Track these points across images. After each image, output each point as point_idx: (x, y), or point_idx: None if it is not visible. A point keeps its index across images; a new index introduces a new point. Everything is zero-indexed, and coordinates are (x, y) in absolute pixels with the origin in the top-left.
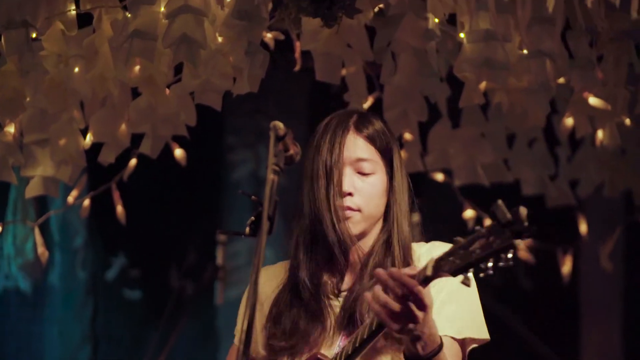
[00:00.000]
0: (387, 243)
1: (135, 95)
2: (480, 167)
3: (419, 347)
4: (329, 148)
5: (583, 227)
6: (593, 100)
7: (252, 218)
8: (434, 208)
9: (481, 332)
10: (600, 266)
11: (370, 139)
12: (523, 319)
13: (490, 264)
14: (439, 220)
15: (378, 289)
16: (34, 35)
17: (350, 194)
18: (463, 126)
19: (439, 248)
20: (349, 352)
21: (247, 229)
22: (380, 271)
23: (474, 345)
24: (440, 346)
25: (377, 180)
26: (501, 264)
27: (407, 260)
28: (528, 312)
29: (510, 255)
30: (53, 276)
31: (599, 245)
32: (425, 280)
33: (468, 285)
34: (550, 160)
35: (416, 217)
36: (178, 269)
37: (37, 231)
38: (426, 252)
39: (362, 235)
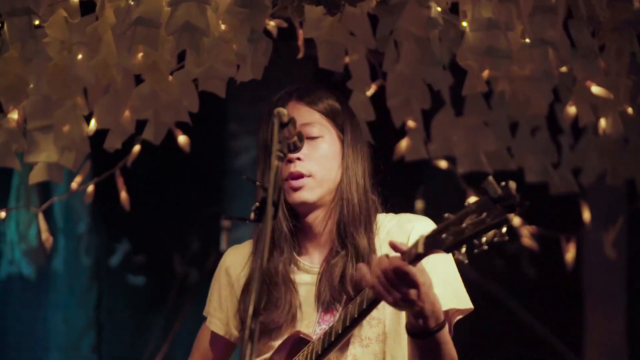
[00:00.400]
0: (338, 210)
1: (138, 82)
2: (484, 154)
3: (420, 321)
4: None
5: (586, 215)
6: (595, 89)
7: (257, 204)
8: (437, 195)
9: (464, 302)
10: (604, 254)
11: (313, 104)
12: (527, 306)
13: (484, 239)
14: (443, 208)
15: (374, 263)
16: (37, 22)
17: (299, 159)
18: (466, 114)
19: (412, 222)
20: (339, 332)
21: (252, 215)
22: (373, 262)
23: (460, 317)
24: (444, 322)
25: (326, 144)
26: (496, 239)
27: (361, 216)
28: (532, 299)
29: (504, 230)
30: (57, 262)
31: (603, 233)
32: (417, 258)
33: (464, 261)
34: (553, 148)
35: (420, 205)
36: (182, 255)
37: (41, 217)
38: (396, 226)
39: (320, 202)
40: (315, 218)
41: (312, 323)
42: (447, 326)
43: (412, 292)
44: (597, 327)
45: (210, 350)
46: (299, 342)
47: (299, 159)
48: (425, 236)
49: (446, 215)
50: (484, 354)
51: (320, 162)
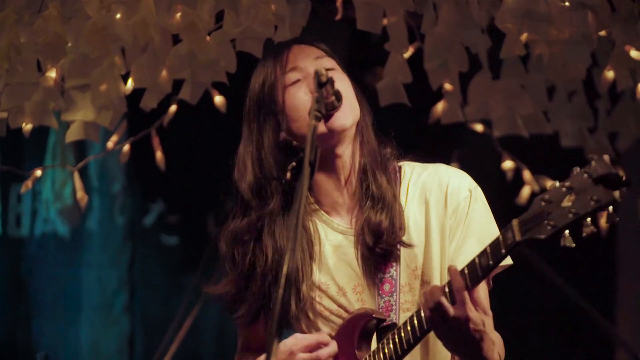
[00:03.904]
0: (359, 153)
1: (176, 42)
2: (520, 118)
3: None
4: (284, 59)
5: None
6: (635, 54)
7: (294, 163)
8: (473, 158)
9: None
10: (638, 219)
11: (315, 44)
12: (560, 272)
13: (588, 220)
14: (478, 171)
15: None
16: None
17: (331, 79)
18: (503, 77)
19: (448, 176)
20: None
21: (289, 174)
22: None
23: (498, 271)
24: None
25: (342, 74)
26: (607, 222)
27: (382, 167)
28: (565, 265)
29: (611, 209)
30: (91, 221)
31: (637, 199)
32: (515, 246)
33: (571, 246)
34: (590, 112)
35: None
36: (216, 215)
37: (76, 176)
38: (431, 179)
39: (350, 132)
40: (342, 152)
41: (350, 285)
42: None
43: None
44: (630, 292)
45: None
46: (370, 321)
47: (330, 78)
48: (519, 221)
49: (537, 196)
50: (515, 318)
51: (345, 90)
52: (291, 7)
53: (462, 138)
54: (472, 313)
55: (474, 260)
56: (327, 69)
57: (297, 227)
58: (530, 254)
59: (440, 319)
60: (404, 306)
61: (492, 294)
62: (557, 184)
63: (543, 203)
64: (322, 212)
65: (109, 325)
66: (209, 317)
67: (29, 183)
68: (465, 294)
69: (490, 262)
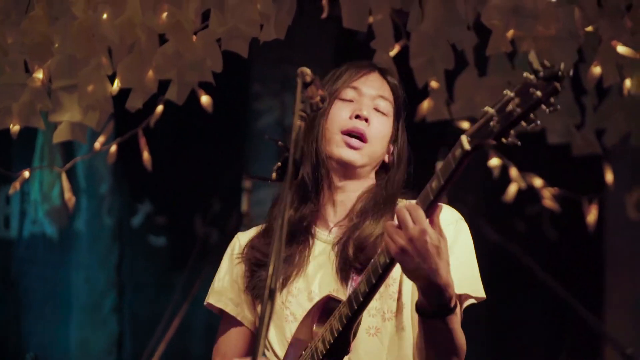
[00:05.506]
0: (376, 189)
1: (162, 42)
2: None
3: (432, 298)
4: (353, 75)
5: (609, 177)
6: (621, 49)
7: (279, 163)
8: None
9: (478, 290)
10: (626, 216)
11: (392, 86)
12: (548, 268)
13: (532, 116)
14: (464, 168)
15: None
16: None
17: (367, 120)
18: (489, 74)
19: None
20: (361, 300)
21: (274, 174)
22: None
23: (471, 302)
24: (456, 305)
25: (388, 124)
26: (551, 108)
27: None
28: (553, 261)
29: (553, 100)
30: (79, 222)
31: (625, 195)
32: (465, 156)
33: (517, 143)
34: (577, 109)
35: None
36: (203, 216)
37: (64, 177)
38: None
39: (359, 174)
40: (349, 186)
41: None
42: (458, 311)
43: (421, 239)
44: (618, 289)
45: (231, 342)
46: (329, 303)
47: (367, 120)
48: (469, 131)
49: (484, 109)
50: (504, 316)
51: (379, 137)
52: (277, 6)
53: (448, 136)
54: (428, 227)
55: (426, 186)
56: (381, 112)
57: (283, 228)
58: (517, 250)
59: (397, 231)
60: (371, 312)
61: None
62: (503, 94)
63: (489, 111)
64: (316, 221)
65: (97, 326)
66: (197, 317)
67: (17, 184)
68: (421, 211)
69: (442, 181)
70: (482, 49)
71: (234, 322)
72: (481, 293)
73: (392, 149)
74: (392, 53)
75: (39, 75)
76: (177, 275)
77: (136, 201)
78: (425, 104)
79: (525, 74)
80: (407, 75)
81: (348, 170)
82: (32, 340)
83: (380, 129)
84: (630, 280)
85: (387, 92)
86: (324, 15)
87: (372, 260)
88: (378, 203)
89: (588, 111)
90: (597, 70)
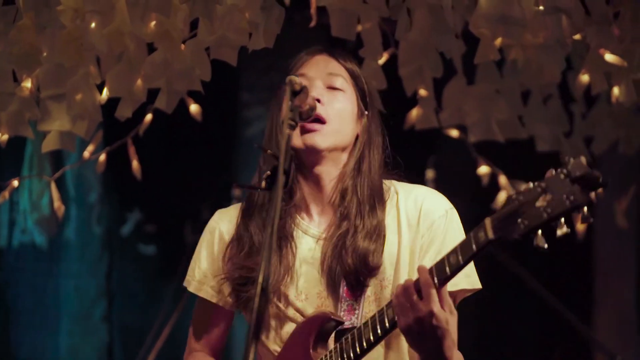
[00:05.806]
0: (353, 180)
1: (151, 51)
2: (495, 123)
3: None
4: (301, 63)
5: None
6: (609, 57)
7: (268, 172)
8: (448, 164)
9: (474, 282)
10: (615, 223)
11: (341, 59)
12: (537, 276)
13: (562, 220)
14: (454, 176)
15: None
16: None
17: (318, 101)
18: (478, 83)
19: (423, 198)
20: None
21: (263, 183)
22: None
23: (467, 295)
24: None
25: (347, 100)
26: (582, 222)
27: (375, 195)
28: (542, 268)
29: (586, 210)
30: (69, 231)
31: (614, 203)
32: (487, 244)
33: (543, 246)
34: (565, 117)
35: (430, 174)
36: (193, 224)
37: (53, 186)
38: (412, 203)
39: (330, 156)
40: (323, 172)
41: (315, 290)
42: (455, 322)
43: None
44: (608, 296)
45: (209, 324)
46: (325, 324)
47: (318, 100)
48: (490, 219)
49: (510, 196)
50: (493, 323)
51: (338, 114)
52: (265, 15)
53: (437, 144)
54: (437, 309)
55: (443, 258)
56: (334, 87)
57: (272, 237)
58: (507, 257)
59: (406, 307)
60: (368, 315)
61: (470, 299)
62: (532, 184)
63: (517, 202)
64: (297, 215)
65: (87, 334)
66: (186, 326)
67: (6, 194)
68: (433, 290)
69: (460, 260)
70: (470, 57)
71: (213, 306)
72: (477, 284)
73: (361, 123)
74: (381, 61)
75: (28, 84)
76: (167, 284)
77: (126, 210)
78: (414, 112)
79: (558, 173)
80: (395, 84)
81: (317, 156)
82: (21, 349)
83: (337, 106)
84: (619, 288)
85: (336, 69)
86: (313, 23)
87: (381, 310)
88: (363, 197)
89: (576, 119)
90: (585, 78)
